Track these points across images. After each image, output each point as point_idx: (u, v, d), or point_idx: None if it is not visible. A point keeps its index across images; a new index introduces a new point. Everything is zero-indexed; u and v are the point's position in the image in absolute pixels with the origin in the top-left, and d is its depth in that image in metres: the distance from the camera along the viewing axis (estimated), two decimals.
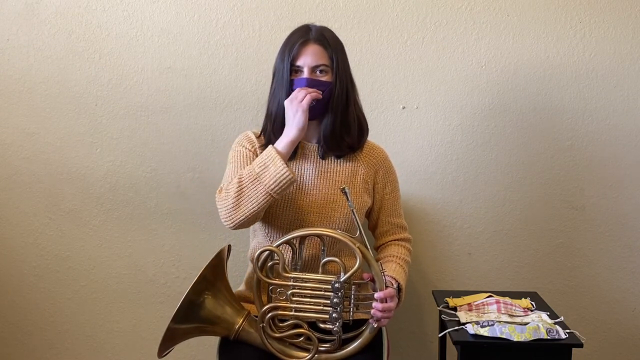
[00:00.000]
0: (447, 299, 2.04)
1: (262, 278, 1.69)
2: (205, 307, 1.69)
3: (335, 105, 1.77)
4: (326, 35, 1.78)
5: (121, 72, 2.24)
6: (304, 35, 1.76)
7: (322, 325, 1.68)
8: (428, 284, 2.34)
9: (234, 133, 2.18)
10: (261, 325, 1.69)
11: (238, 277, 2.08)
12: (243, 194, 1.67)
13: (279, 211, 1.79)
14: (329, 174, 1.83)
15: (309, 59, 1.74)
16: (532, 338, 1.77)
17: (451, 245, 2.34)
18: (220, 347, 1.83)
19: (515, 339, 1.77)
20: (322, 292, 1.67)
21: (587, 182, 2.30)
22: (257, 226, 1.85)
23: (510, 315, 1.91)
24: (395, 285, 1.74)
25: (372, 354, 1.75)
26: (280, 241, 1.70)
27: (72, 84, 2.25)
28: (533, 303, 2.02)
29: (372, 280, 1.70)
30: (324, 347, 1.71)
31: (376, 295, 1.65)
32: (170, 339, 1.66)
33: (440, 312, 1.98)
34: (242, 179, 1.68)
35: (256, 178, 1.67)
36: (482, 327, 1.81)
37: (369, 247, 1.69)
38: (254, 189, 1.66)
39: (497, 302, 1.96)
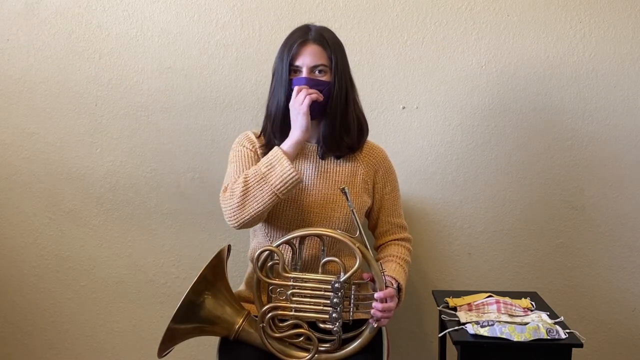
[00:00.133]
0: (447, 299, 2.04)
1: (262, 278, 1.69)
2: (205, 307, 1.69)
3: (334, 106, 1.77)
4: (325, 35, 1.78)
5: (121, 72, 2.25)
6: (303, 35, 1.76)
7: (322, 325, 1.68)
8: (428, 284, 2.35)
9: (234, 133, 2.18)
10: (261, 325, 1.69)
11: (238, 277, 2.08)
12: (249, 193, 1.67)
13: (279, 211, 1.79)
14: (328, 174, 1.83)
15: (307, 59, 1.74)
16: (532, 338, 1.77)
17: (451, 245, 2.34)
18: (220, 347, 1.83)
19: (515, 339, 1.77)
20: (322, 292, 1.67)
21: (587, 182, 2.30)
22: (257, 226, 1.85)
23: (510, 315, 1.91)
24: (395, 285, 1.74)
25: (372, 354, 1.75)
26: (280, 241, 1.70)
27: (72, 84, 2.25)
28: (533, 303, 2.02)
29: (372, 280, 1.70)
30: (324, 347, 1.71)
31: (376, 295, 1.65)
32: (170, 339, 1.66)
33: (440, 312, 1.98)
34: (248, 178, 1.68)
35: (262, 178, 1.67)
36: (482, 327, 1.81)
37: (368, 247, 1.69)
38: (260, 188, 1.66)
39: (497, 302, 1.96)
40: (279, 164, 1.67)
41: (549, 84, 2.25)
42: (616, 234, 2.32)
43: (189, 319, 1.68)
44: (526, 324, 1.83)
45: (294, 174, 1.65)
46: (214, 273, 1.71)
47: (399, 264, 1.84)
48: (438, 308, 2.02)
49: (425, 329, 2.38)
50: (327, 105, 1.76)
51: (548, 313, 1.95)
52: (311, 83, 1.73)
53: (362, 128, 1.85)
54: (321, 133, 1.80)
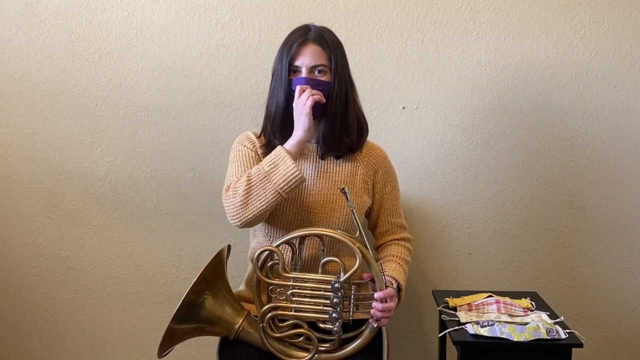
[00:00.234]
0: (447, 299, 2.04)
1: (262, 278, 1.69)
2: (205, 307, 1.69)
3: (334, 106, 1.77)
4: (325, 35, 1.78)
5: (121, 72, 2.25)
6: (302, 35, 1.76)
7: (322, 325, 1.68)
8: (428, 284, 2.34)
9: (234, 133, 2.18)
10: (261, 325, 1.69)
11: (238, 277, 2.08)
12: (252, 192, 1.67)
13: (279, 211, 1.79)
14: (328, 174, 1.83)
15: (307, 59, 1.74)
16: (532, 338, 1.77)
17: (451, 245, 2.34)
18: (220, 347, 1.83)
19: (515, 339, 1.77)
20: (322, 292, 1.67)
21: (587, 182, 2.30)
22: (257, 226, 1.85)
23: (510, 315, 1.91)
24: (395, 285, 1.74)
25: (372, 354, 1.75)
26: (280, 241, 1.70)
27: (72, 84, 2.25)
28: (533, 303, 2.02)
29: (372, 280, 1.70)
30: (324, 347, 1.71)
31: (376, 295, 1.65)
32: (170, 339, 1.66)
33: (440, 312, 1.98)
34: (251, 177, 1.68)
35: (265, 177, 1.67)
36: (482, 327, 1.81)
37: (368, 247, 1.69)
38: (263, 187, 1.66)
39: (497, 302, 1.96)
40: (282, 163, 1.67)
41: (549, 84, 2.25)
42: (616, 234, 2.32)
43: (189, 319, 1.68)
44: (526, 324, 1.83)
45: (297, 173, 1.66)
46: (214, 273, 1.71)
47: (398, 263, 1.84)
48: (438, 308, 2.02)
49: (425, 329, 2.37)
50: (327, 105, 1.76)
51: (548, 313, 1.95)
52: (311, 83, 1.73)
53: (362, 128, 1.85)
54: (321, 133, 1.80)
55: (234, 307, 1.74)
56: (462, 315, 1.91)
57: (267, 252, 1.69)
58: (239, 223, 1.69)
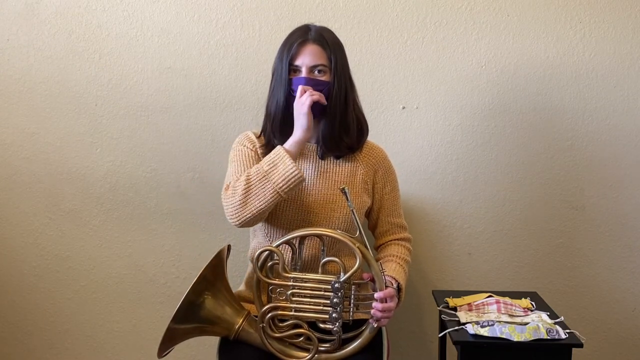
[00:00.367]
0: (447, 299, 2.04)
1: (262, 278, 1.69)
2: (205, 307, 1.69)
3: (334, 106, 1.77)
4: (325, 35, 1.78)
5: (121, 72, 2.25)
6: (303, 35, 1.76)
7: (322, 325, 1.68)
8: (428, 284, 2.34)
9: (234, 133, 2.18)
10: (261, 325, 1.69)
11: (238, 277, 2.08)
12: (251, 191, 1.67)
13: (279, 211, 1.79)
14: (328, 174, 1.83)
15: (307, 58, 1.74)
16: (532, 338, 1.77)
17: (451, 245, 2.34)
18: (220, 347, 1.83)
19: (515, 339, 1.77)
20: (322, 292, 1.67)
21: (587, 182, 2.30)
22: (257, 226, 1.85)
23: (510, 315, 1.91)
24: (395, 285, 1.74)
25: (372, 354, 1.75)
26: (280, 241, 1.70)
27: (72, 84, 2.25)
28: (533, 303, 2.02)
29: (372, 280, 1.70)
30: (324, 347, 1.71)
31: (376, 295, 1.65)
32: (170, 339, 1.66)
33: (440, 312, 1.98)
34: (250, 176, 1.68)
35: (265, 176, 1.67)
36: (482, 327, 1.81)
37: (368, 247, 1.69)
38: (262, 187, 1.66)
39: (497, 302, 1.96)
40: (281, 163, 1.67)
41: (549, 84, 2.25)
42: (616, 234, 2.32)
43: (189, 319, 1.68)
44: (526, 324, 1.83)
45: (296, 172, 1.66)
46: (214, 273, 1.71)
47: (398, 263, 1.84)
48: (438, 308, 2.02)
49: (425, 329, 2.37)
50: (327, 105, 1.76)
51: (548, 313, 1.95)
52: (311, 83, 1.73)
53: (361, 128, 1.85)
54: (320, 133, 1.80)
55: (234, 307, 1.74)
56: (462, 315, 1.91)
57: (267, 252, 1.69)
58: (237, 222, 1.69)
